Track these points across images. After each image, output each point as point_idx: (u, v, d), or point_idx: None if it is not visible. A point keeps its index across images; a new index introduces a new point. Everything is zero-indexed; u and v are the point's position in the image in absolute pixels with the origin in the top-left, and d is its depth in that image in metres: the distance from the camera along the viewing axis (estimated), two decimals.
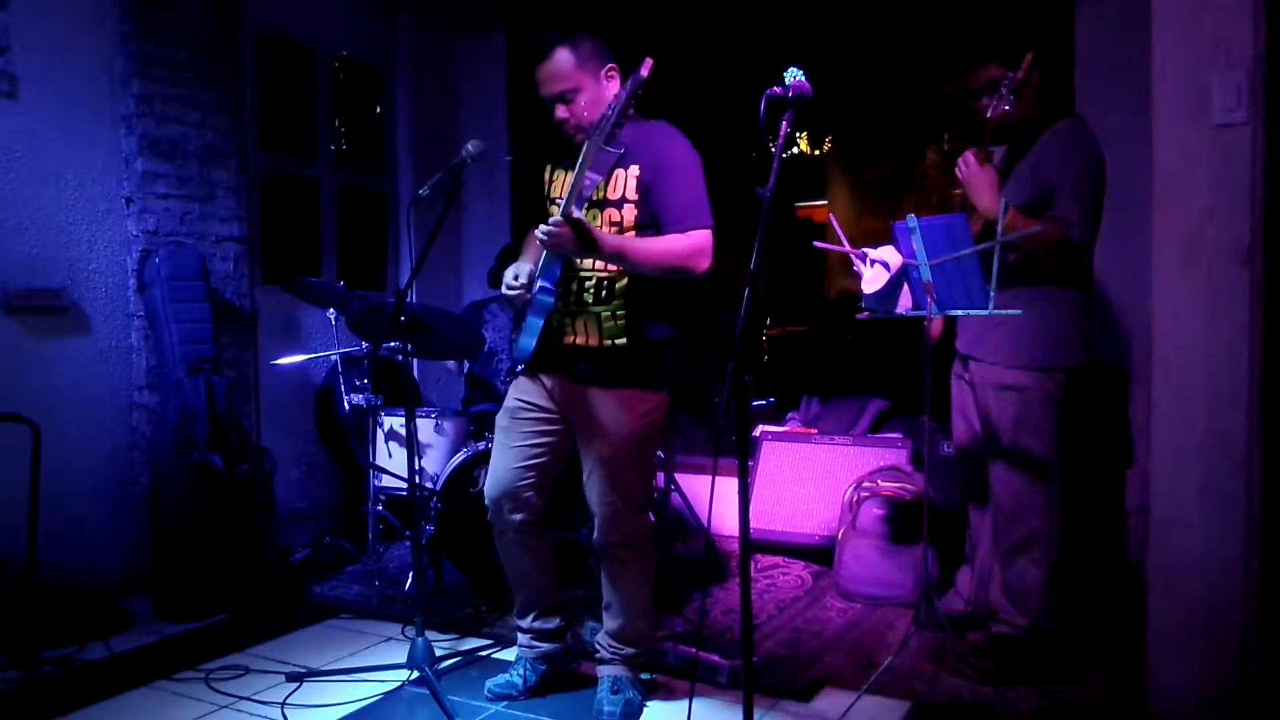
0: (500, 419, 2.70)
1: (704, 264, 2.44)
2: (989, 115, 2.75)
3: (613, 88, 2.52)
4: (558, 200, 2.60)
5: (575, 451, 2.67)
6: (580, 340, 2.54)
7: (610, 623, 2.70)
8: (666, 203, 2.45)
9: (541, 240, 2.35)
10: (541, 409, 2.63)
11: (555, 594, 2.82)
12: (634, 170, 2.48)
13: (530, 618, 2.80)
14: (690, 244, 2.42)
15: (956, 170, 2.81)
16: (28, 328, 3.53)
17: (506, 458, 2.66)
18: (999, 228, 2.59)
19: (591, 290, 2.51)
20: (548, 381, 2.62)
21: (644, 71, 2.23)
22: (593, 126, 2.36)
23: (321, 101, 4.83)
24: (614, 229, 2.49)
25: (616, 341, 2.51)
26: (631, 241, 2.44)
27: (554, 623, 2.82)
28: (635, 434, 2.53)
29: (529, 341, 2.50)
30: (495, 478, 2.67)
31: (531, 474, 2.64)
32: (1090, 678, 2.82)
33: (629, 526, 2.58)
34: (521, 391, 2.66)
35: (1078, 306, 2.86)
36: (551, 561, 2.79)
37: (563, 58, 2.47)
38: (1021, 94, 2.75)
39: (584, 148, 2.33)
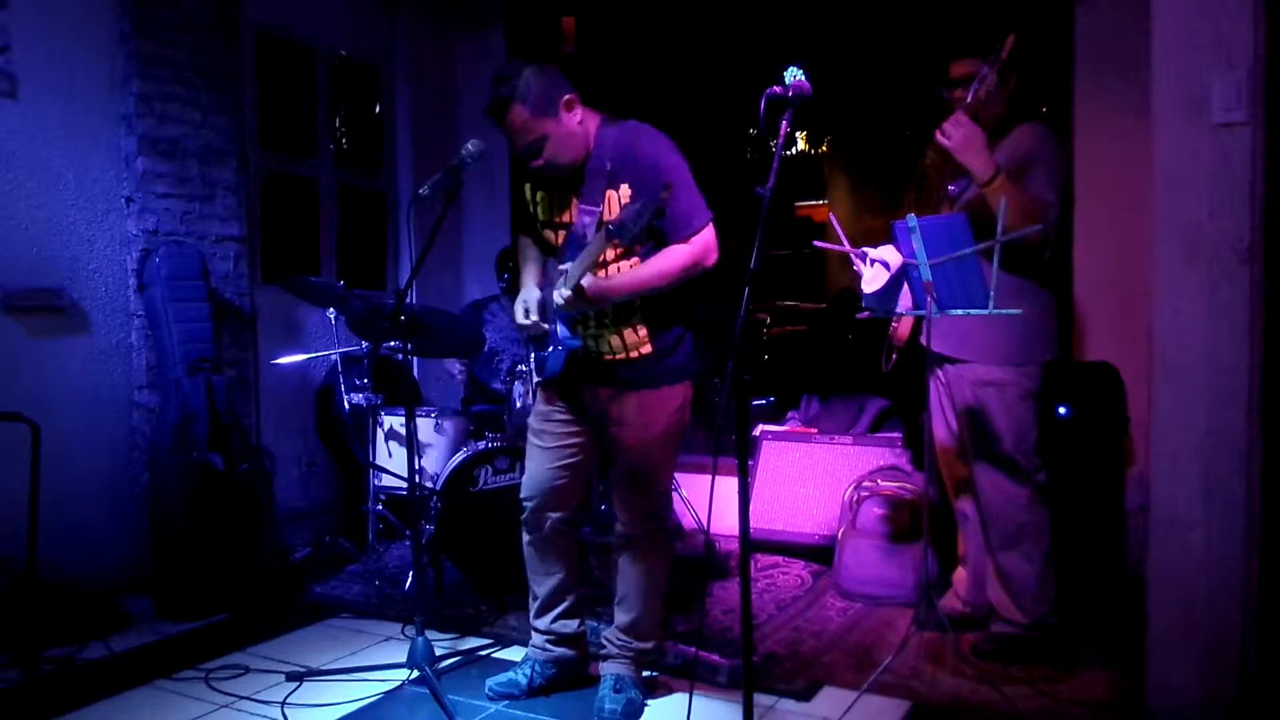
0: (532, 421, 2.75)
1: (713, 258, 2.51)
2: (970, 99, 2.76)
3: (575, 116, 2.51)
4: (550, 223, 2.66)
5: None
6: (607, 356, 2.60)
7: (622, 617, 2.71)
8: (668, 214, 2.47)
9: (558, 307, 2.44)
10: (571, 410, 2.69)
11: (576, 597, 2.83)
12: (624, 190, 2.49)
13: (549, 618, 2.80)
14: (693, 251, 2.48)
15: (941, 135, 2.72)
16: (28, 327, 3.53)
17: (541, 458, 2.71)
18: (999, 229, 2.59)
19: (610, 311, 2.55)
20: (576, 389, 2.67)
21: (664, 194, 2.28)
22: (608, 224, 2.31)
23: (321, 101, 4.82)
24: (618, 249, 2.52)
25: (642, 350, 2.57)
26: (638, 274, 2.49)
27: (572, 626, 2.82)
28: (665, 430, 2.61)
29: (556, 365, 2.58)
30: (532, 478, 2.72)
31: (566, 473, 2.69)
32: (1090, 678, 2.82)
33: (654, 518, 2.66)
34: (551, 396, 2.71)
35: (1047, 303, 2.91)
36: (576, 563, 2.82)
37: (518, 114, 2.46)
38: (1004, 77, 2.76)
39: (595, 239, 2.35)
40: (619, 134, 2.53)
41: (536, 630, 2.82)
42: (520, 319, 2.58)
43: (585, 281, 2.38)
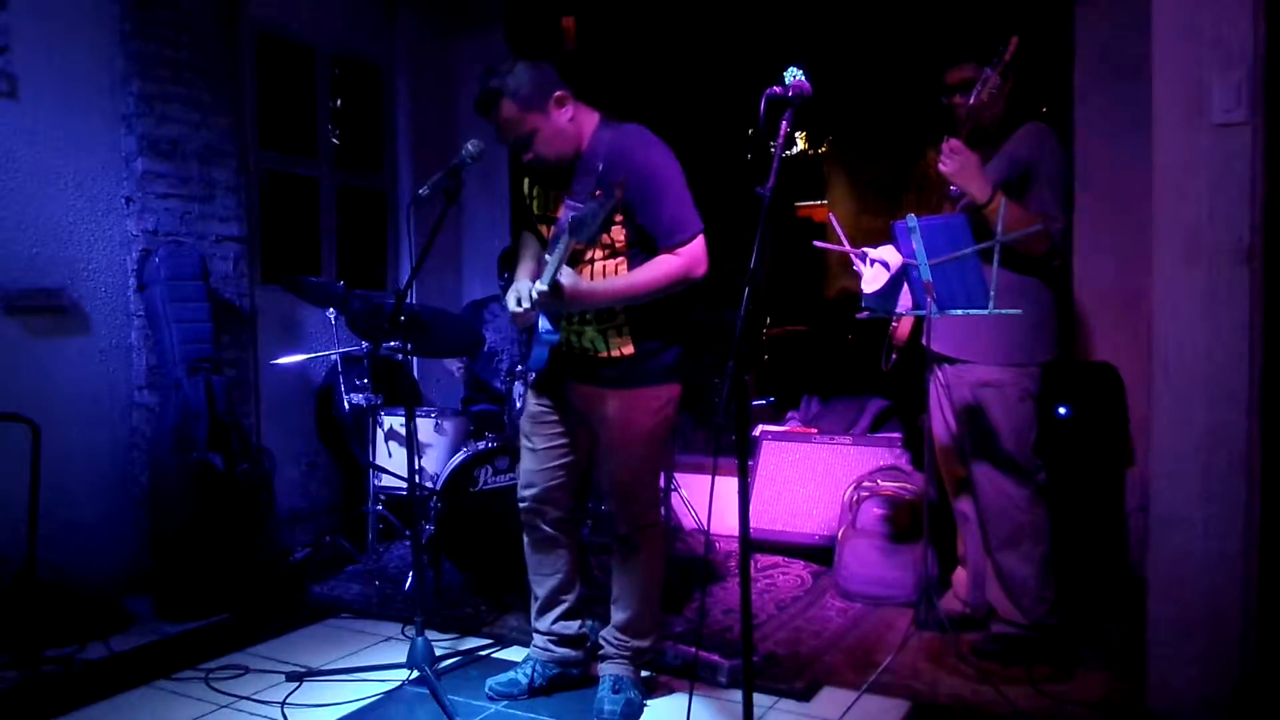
0: (523, 424, 2.76)
1: (701, 270, 2.49)
2: (972, 101, 2.76)
3: (566, 113, 2.50)
4: (544, 218, 2.67)
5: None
6: (590, 354, 2.60)
7: (619, 615, 2.71)
8: (655, 220, 2.47)
9: (533, 303, 2.41)
10: (559, 409, 2.69)
11: (577, 597, 2.83)
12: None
13: (549, 619, 2.80)
14: (682, 262, 2.47)
15: (940, 164, 2.77)
16: (28, 327, 3.53)
17: (534, 460, 2.72)
18: (998, 230, 2.59)
19: (593, 312, 2.55)
20: (563, 387, 2.68)
21: (618, 193, 2.31)
22: (570, 220, 2.34)
23: (321, 101, 4.82)
24: (605, 250, 2.52)
25: (624, 351, 2.56)
26: (624, 281, 2.48)
27: (574, 627, 2.82)
28: (649, 430, 2.60)
29: (541, 354, 2.56)
30: (527, 479, 2.74)
31: (561, 472, 2.70)
32: (1090, 678, 2.82)
33: (644, 516, 2.66)
34: (539, 396, 2.72)
35: (1049, 303, 2.90)
36: (577, 563, 2.82)
37: (507, 109, 2.47)
38: (1006, 78, 2.76)
39: (562, 239, 2.36)
40: (616, 136, 2.52)
41: (538, 631, 2.82)
42: (512, 306, 2.55)
43: (565, 280, 2.36)
